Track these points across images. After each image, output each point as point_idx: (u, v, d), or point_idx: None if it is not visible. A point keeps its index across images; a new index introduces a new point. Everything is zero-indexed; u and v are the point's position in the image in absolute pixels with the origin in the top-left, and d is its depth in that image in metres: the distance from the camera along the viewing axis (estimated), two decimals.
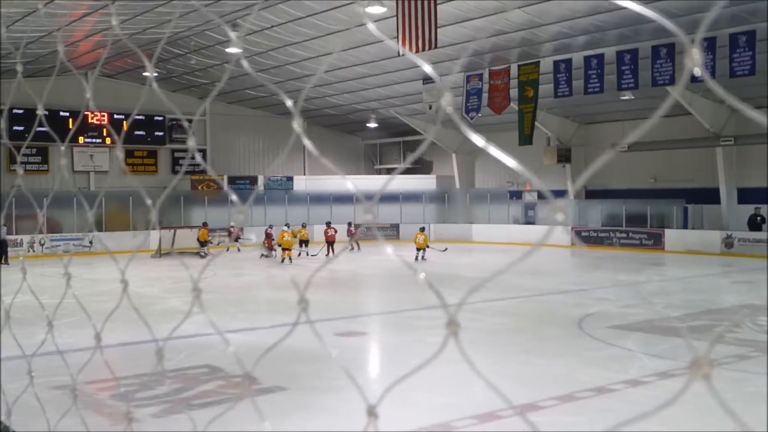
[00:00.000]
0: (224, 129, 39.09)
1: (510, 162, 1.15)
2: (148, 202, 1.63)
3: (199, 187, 36.22)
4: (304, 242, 29.59)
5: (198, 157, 1.62)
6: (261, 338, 11.15)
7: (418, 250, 26.88)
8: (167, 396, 8.53)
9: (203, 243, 28.14)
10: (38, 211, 2.12)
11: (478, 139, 1.16)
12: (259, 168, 39.87)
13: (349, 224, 32.86)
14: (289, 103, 1.35)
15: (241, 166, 39.71)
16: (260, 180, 38.06)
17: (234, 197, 1.52)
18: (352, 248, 30.34)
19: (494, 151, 1.15)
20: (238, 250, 30.64)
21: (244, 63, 1.63)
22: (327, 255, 28.34)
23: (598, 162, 1.04)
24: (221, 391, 8.71)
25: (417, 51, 24.41)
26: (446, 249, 29.58)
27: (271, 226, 30.31)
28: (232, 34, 1.51)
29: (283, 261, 26.10)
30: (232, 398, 8.39)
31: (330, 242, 29.10)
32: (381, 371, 10.39)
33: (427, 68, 1.20)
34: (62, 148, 2.11)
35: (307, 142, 1.31)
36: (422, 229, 27.98)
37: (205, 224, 30.17)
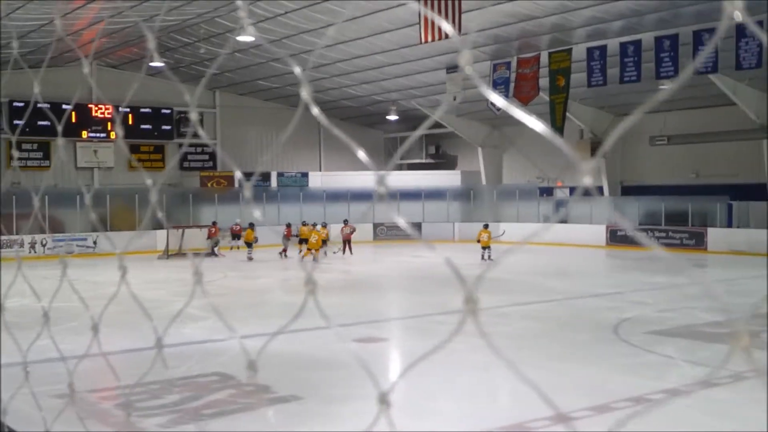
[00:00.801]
0: (235, 122, 39.26)
1: (561, 144, 1.14)
2: (152, 194, 1.64)
3: (209, 184, 36.43)
4: (323, 242, 29.83)
5: (200, 131, 1.62)
6: (274, 345, 11.16)
7: (484, 248, 26.60)
8: (175, 405, 8.58)
9: (249, 244, 28.67)
10: (35, 208, 2.13)
11: (535, 123, 1.15)
12: (272, 163, 40.01)
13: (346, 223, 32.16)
14: (297, 70, 1.35)
15: (253, 162, 39.84)
16: (273, 176, 38.21)
17: (247, 193, 1.52)
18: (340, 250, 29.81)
19: (547, 133, 1.14)
20: (239, 248, 30.62)
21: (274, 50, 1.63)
22: (344, 254, 29.05)
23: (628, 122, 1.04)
24: (233, 401, 8.76)
25: (440, 38, 24.38)
26: (504, 232, 29.86)
27: (288, 225, 30.55)
28: (245, 19, 1.51)
29: (303, 259, 26.82)
30: (244, 408, 8.43)
31: (347, 241, 29.33)
32: (402, 380, 10.38)
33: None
34: (59, 140, 2.12)
35: (316, 111, 1.30)
36: (486, 226, 27.68)
37: (214, 223, 30.35)
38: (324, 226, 30.59)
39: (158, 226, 30.44)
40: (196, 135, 37.86)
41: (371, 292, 19.94)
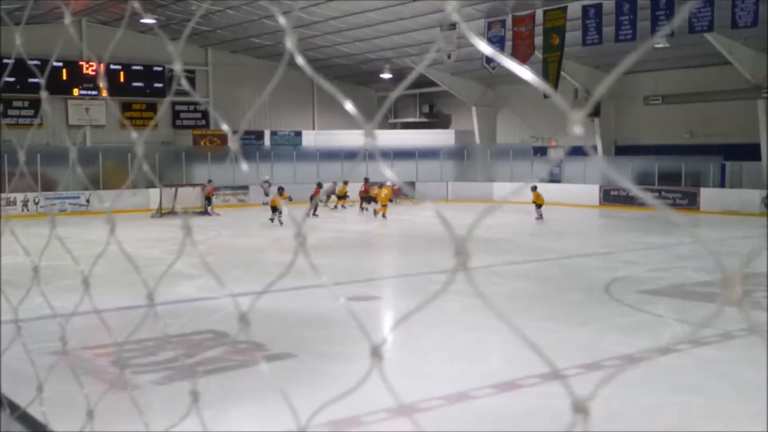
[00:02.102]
0: (227, 81, 38.93)
1: (553, 94, 1.13)
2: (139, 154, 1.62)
3: (202, 143, 36.27)
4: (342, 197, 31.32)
5: (185, 84, 1.60)
6: (268, 303, 11.21)
7: (538, 207, 26.89)
8: (169, 362, 8.64)
9: (274, 209, 25.73)
10: (21, 166, 2.12)
11: (527, 74, 1.13)
12: (265, 122, 39.78)
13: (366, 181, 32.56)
14: (282, 20, 1.33)
15: (247, 120, 39.60)
16: (266, 135, 38.05)
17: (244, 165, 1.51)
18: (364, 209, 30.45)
19: (540, 84, 1.13)
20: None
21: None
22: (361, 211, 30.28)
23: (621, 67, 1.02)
24: (227, 358, 8.82)
25: None
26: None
27: (319, 185, 30.89)
28: None
29: (384, 216, 27.81)
30: (238, 365, 8.49)
31: (364, 198, 30.59)
32: (394, 337, 10.46)
33: None
34: (43, 94, 2.09)
35: (301, 61, 1.27)
36: (534, 188, 27.76)
37: (210, 182, 30.27)
38: (345, 183, 31.34)
39: (151, 184, 30.37)
40: (187, 93, 37.55)
41: (365, 251, 20.00)
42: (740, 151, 30.40)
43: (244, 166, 1.75)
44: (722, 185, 30.43)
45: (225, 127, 1.53)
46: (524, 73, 1.11)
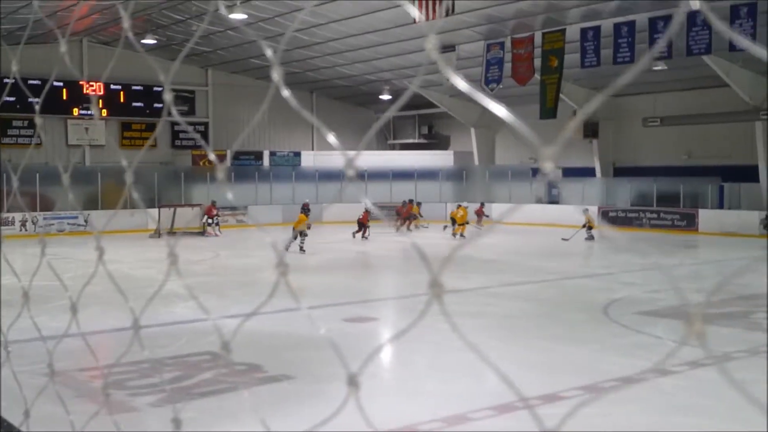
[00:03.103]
0: (227, 101, 39.09)
1: (530, 134, 1.15)
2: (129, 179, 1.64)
3: (201, 163, 36.32)
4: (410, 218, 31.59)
5: (175, 114, 1.62)
6: (263, 324, 11.21)
7: (589, 228, 27.14)
8: (166, 384, 8.61)
9: (301, 232, 24.91)
10: (14, 187, 2.13)
11: (498, 109, 1.16)
12: (264, 142, 39.88)
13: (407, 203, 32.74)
14: (269, 53, 1.35)
15: (246, 141, 39.71)
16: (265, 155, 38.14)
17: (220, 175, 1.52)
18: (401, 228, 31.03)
19: (515, 123, 1.14)
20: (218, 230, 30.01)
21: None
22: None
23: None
24: (224, 380, 8.79)
25: (434, 18, 24.26)
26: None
27: (411, 201, 32.02)
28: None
29: (457, 235, 28.30)
30: (234, 387, 8.46)
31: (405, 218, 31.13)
32: (390, 359, 10.44)
33: (413, 11, 1.19)
34: (37, 120, 2.11)
35: (287, 93, 1.29)
36: (586, 211, 28.03)
37: (213, 203, 30.20)
38: (410, 202, 32.24)
39: (150, 204, 30.39)
40: (186, 113, 37.67)
41: (362, 271, 19.99)
42: (739, 173, 30.48)
43: (230, 195, 1.77)
44: (721, 207, 30.47)
45: (212, 157, 1.55)
46: (498, 109, 1.14)
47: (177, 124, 37.25)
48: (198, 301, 10.80)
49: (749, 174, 29.90)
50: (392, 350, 11.08)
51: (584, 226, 27.23)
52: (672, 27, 1.18)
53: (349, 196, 35.72)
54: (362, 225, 28.11)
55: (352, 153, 1.18)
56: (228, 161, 36.42)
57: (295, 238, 23.15)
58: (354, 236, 27.91)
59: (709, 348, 0.95)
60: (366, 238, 27.80)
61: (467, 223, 28.98)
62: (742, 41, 1.01)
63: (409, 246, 24.87)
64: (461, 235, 28.36)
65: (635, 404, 7.84)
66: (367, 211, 28.84)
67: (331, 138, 1.25)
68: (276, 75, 1.27)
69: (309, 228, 23.03)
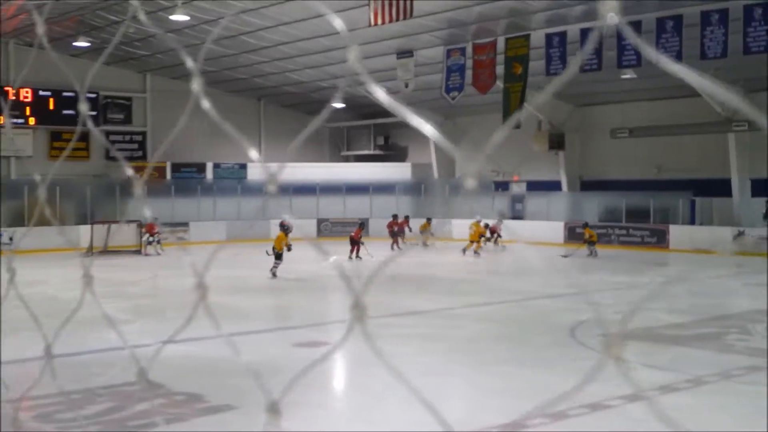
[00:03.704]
0: (167, 109, 38.71)
1: (449, 148, 1.16)
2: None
3: (139, 176, 35.89)
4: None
5: (90, 124, 1.61)
6: (206, 350, 11.09)
7: (591, 244, 27.83)
8: (98, 416, 8.46)
9: (279, 255, 22.32)
10: None
11: (427, 128, 1.17)
12: (207, 154, 39.58)
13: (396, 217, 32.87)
14: (189, 63, 1.35)
15: (187, 152, 39.34)
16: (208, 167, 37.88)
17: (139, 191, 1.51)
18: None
19: (440, 140, 1.16)
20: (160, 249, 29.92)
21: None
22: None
23: None
24: (162, 411, 8.66)
25: (390, 21, 24.44)
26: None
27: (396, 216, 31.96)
28: None
29: (476, 253, 28.76)
30: (174, 419, 8.34)
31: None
32: (345, 385, 10.40)
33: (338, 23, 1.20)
34: None
35: (207, 105, 1.30)
36: (586, 225, 28.92)
37: (155, 219, 29.88)
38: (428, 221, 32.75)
39: (82, 220, 29.95)
40: (121, 122, 37.26)
41: (315, 292, 19.89)
42: (710, 187, 31.07)
43: (148, 212, 1.76)
44: (692, 222, 31.02)
45: (129, 172, 1.54)
46: (426, 128, 1.16)
47: (113, 133, 36.89)
48: (113, 324, 10.69)
49: (721, 188, 30.50)
50: (347, 376, 11.04)
51: (585, 241, 27.60)
52: (589, 41, 1.20)
53: (299, 211, 35.69)
54: (355, 242, 27.68)
55: (274, 166, 1.19)
56: (167, 174, 36.19)
57: (277, 258, 22.02)
58: (350, 258, 27.15)
59: (630, 377, 0.99)
60: (360, 257, 26.98)
61: (487, 238, 29.76)
62: (653, 54, 1.05)
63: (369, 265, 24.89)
64: (475, 252, 28.74)
65: None
66: (360, 227, 28.70)
67: (253, 153, 1.26)
68: (196, 85, 1.27)
69: (290, 249, 21.73)
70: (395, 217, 32.13)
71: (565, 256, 27.16)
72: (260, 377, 1.29)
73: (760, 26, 22.56)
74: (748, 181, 30.58)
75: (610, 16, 0.94)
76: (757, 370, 10.36)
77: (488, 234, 30.88)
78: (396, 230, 31.46)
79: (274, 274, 21.79)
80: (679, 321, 14.36)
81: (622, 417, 8.39)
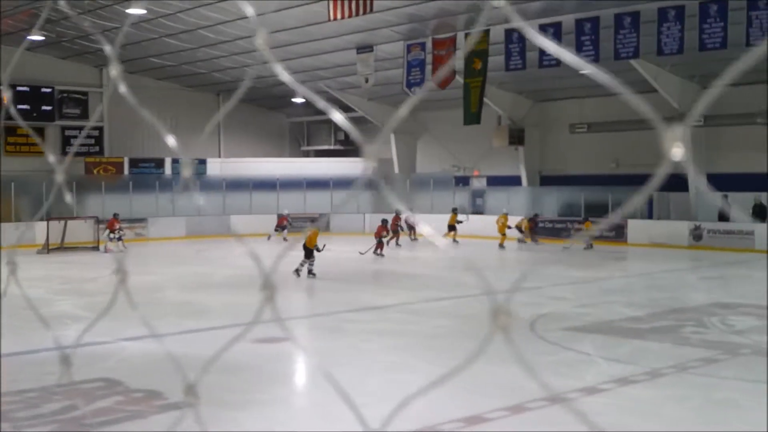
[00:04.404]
0: (125, 104, 38.01)
1: (371, 152, 1.16)
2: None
3: (95, 171, 35.49)
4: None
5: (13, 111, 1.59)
6: (166, 346, 11.01)
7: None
8: (55, 415, 8.36)
9: (310, 252, 20.52)
10: None
11: (335, 114, 1.18)
12: (165, 149, 39.19)
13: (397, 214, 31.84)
14: (107, 48, 1.34)
15: (146, 147, 38.92)
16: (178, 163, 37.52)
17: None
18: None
19: (351, 131, 1.19)
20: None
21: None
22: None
23: None
24: (120, 408, 8.59)
25: (350, 15, 24.40)
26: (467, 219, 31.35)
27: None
28: None
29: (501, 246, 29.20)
30: (132, 416, 8.27)
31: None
32: (307, 382, 10.39)
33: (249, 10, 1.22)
34: None
35: (123, 89, 1.30)
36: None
37: (115, 215, 29.45)
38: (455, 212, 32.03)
39: (39, 217, 29.50)
40: (78, 117, 36.75)
41: (276, 288, 19.81)
42: (668, 182, 30.88)
43: (68, 197, 1.75)
44: (650, 217, 31.41)
45: (51, 159, 1.54)
46: (334, 114, 1.18)
47: (68, 128, 36.39)
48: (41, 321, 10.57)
49: (678, 183, 30.88)
50: (308, 372, 11.02)
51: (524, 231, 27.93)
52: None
53: (259, 207, 35.55)
54: (383, 237, 27.27)
55: (187, 160, 1.21)
56: (125, 169, 35.77)
57: (308, 257, 20.24)
58: (376, 253, 26.43)
59: (514, 342, 1.02)
60: (381, 255, 26.34)
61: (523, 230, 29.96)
62: (568, 57, 1.09)
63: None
64: (500, 245, 29.18)
65: (564, 426, 7.99)
66: (382, 223, 28.17)
67: (171, 140, 1.26)
68: (114, 71, 1.27)
69: (319, 249, 20.08)
70: (398, 212, 31.65)
71: (566, 248, 27.62)
72: (180, 365, 1.29)
73: (716, 23, 22.90)
74: (704, 176, 31.01)
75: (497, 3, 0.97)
76: (712, 363, 10.54)
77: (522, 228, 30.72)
78: (398, 227, 30.95)
79: (298, 273, 20.19)
80: (638, 314, 14.55)
81: (580, 410, 8.48)
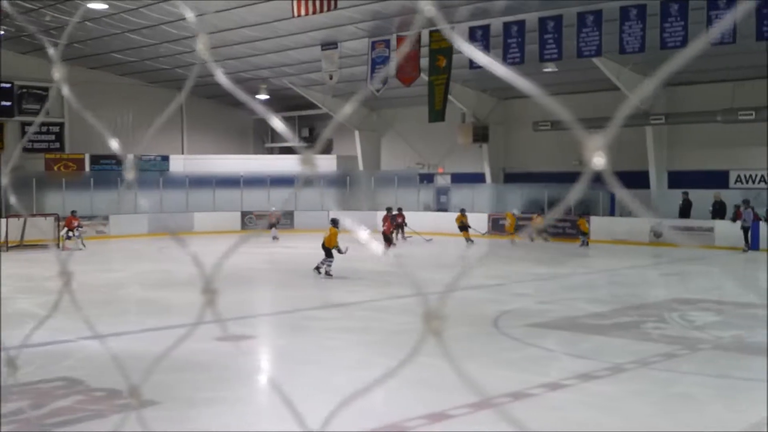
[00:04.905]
0: (85, 99, 37.65)
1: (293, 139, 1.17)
2: None
3: (56, 168, 35.04)
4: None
5: None
6: (129, 345, 10.91)
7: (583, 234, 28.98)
8: (14, 415, 8.23)
9: (329, 251, 20.31)
10: None
11: (259, 106, 1.18)
12: (128, 146, 38.71)
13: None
14: (51, 51, 1.33)
15: (107, 144, 38.34)
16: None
17: None
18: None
19: (281, 129, 1.18)
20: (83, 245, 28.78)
21: None
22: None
23: None
24: (81, 408, 8.49)
25: (314, 12, 24.33)
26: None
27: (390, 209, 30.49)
28: None
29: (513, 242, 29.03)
30: (93, 415, 8.19)
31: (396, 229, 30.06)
32: (271, 380, 10.34)
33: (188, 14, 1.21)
34: None
35: (57, 75, 1.29)
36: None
37: (73, 213, 29.11)
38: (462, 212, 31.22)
39: None
40: (38, 112, 36.25)
41: (239, 286, 19.71)
42: (629, 179, 31.53)
43: (12, 199, 1.73)
44: (612, 214, 31.73)
45: (115, 145, 1.52)
46: (274, 121, 1.18)
47: (28, 124, 35.87)
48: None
49: (640, 180, 31.29)
50: (274, 371, 10.98)
51: (579, 233, 28.13)
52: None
53: (223, 204, 35.34)
54: (388, 237, 26.98)
55: (130, 157, 1.21)
56: (86, 166, 35.34)
57: (328, 257, 19.99)
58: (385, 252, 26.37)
59: (445, 344, 1.03)
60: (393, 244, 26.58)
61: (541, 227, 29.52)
62: (483, 59, 1.10)
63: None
64: (512, 242, 29.00)
65: (527, 421, 8.04)
66: (388, 215, 28.21)
67: (114, 144, 1.26)
68: (57, 74, 1.26)
69: (341, 251, 19.66)
70: (400, 210, 31.23)
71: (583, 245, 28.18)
72: (123, 366, 1.27)
73: (677, 22, 23.18)
74: (665, 173, 31.44)
75: (427, 9, 0.98)
76: (672, 357, 10.67)
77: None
78: (399, 223, 30.62)
79: (318, 271, 20.06)
80: (600, 310, 14.69)
81: (543, 405, 8.55)
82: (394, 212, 30.66)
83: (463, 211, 31.28)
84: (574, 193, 1.10)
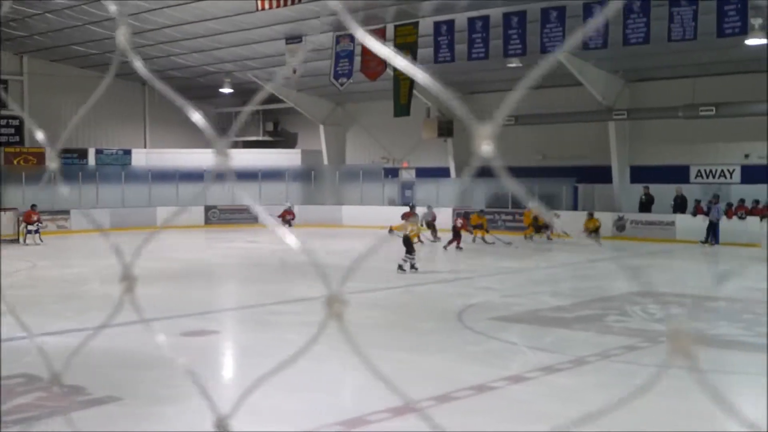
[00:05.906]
0: (47, 93, 37.30)
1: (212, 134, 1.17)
2: None
3: (15, 162, 34.55)
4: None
5: None
6: (90, 341, 10.80)
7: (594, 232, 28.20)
8: None
9: (410, 244, 20.13)
10: None
11: (177, 98, 1.19)
12: (89, 139, 38.36)
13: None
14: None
15: (68, 137, 38.03)
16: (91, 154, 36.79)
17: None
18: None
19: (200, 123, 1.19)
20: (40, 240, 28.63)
21: None
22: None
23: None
24: (41, 404, 8.40)
25: (278, 6, 24.22)
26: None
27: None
28: None
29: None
30: (54, 412, 8.10)
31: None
32: (235, 375, 10.32)
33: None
34: None
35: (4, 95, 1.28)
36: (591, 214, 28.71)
37: (33, 207, 28.71)
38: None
39: None
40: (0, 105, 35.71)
41: (202, 281, 19.62)
42: (592, 174, 32.14)
43: (65, 190, 1.71)
44: (575, 208, 32.00)
45: (40, 136, 1.50)
46: (193, 115, 1.19)
47: None
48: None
49: (603, 175, 31.61)
50: (235, 365, 10.95)
51: (589, 230, 27.87)
52: None
53: (186, 198, 35.05)
54: (458, 233, 26.44)
55: (54, 153, 1.21)
56: (47, 159, 34.89)
57: (409, 252, 19.62)
58: (446, 248, 26.02)
59: (347, 331, 1.06)
60: (460, 248, 25.87)
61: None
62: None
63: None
64: (525, 237, 29.29)
65: (490, 414, 8.11)
66: (463, 217, 27.45)
67: (39, 135, 1.26)
68: None
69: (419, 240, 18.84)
70: (412, 207, 30.38)
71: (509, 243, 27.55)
72: (48, 357, 1.27)
73: (639, 18, 23.41)
74: (627, 168, 31.77)
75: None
76: (633, 350, 10.81)
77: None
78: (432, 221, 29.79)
79: (402, 269, 19.54)
80: (563, 304, 14.83)
81: (506, 398, 8.62)
82: (424, 210, 29.92)
83: (482, 212, 30.54)
84: (465, 182, 1.13)
